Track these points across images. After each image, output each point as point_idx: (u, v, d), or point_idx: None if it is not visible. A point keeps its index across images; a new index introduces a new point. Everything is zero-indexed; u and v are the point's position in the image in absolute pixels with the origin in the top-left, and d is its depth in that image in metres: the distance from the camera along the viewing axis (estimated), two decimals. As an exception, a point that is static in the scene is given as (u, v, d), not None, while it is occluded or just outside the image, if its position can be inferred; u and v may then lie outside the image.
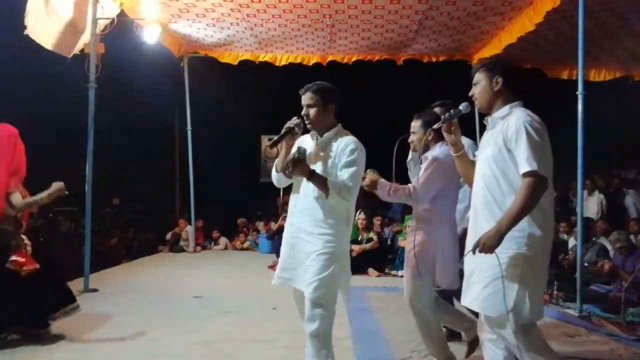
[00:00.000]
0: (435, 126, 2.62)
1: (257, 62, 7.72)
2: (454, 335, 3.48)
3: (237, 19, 6.31)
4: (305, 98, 2.62)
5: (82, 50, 5.42)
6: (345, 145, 2.58)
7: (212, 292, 5.24)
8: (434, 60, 7.71)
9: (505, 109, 2.30)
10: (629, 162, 9.72)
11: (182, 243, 8.87)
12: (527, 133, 2.14)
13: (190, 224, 8.80)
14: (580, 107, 4.61)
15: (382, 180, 2.87)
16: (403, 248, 6.85)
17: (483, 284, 2.22)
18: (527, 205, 2.09)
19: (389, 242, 7.56)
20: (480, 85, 2.36)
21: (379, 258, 6.98)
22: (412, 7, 5.80)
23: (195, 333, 3.74)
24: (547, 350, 2.25)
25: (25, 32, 4.68)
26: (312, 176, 2.53)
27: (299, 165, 2.52)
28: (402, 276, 6.45)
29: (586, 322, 4.28)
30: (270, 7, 5.89)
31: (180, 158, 13.22)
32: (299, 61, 7.66)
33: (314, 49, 7.45)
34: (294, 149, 2.60)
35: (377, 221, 7.68)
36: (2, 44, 6.72)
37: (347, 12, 6.02)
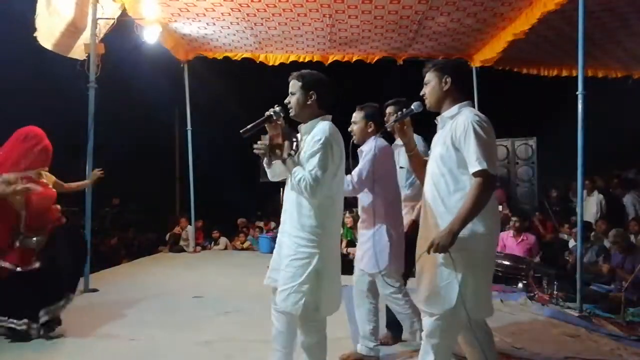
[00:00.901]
0: (387, 125, 2.69)
1: (257, 62, 7.71)
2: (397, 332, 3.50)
3: (237, 18, 6.31)
4: (290, 86, 2.49)
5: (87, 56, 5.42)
6: (313, 136, 2.39)
7: (212, 292, 5.24)
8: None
9: (454, 108, 2.34)
10: (628, 162, 9.72)
11: (182, 243, 8.86)
12: (476, 132, 2.17)
13: (190, 224, 8.80)
14: (580, 106, 4.62)
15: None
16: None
17: (428, 280, 2.28)
18: (478, 204, 2.13)
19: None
20: (430, 85, 2.40)
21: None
22: (412, 7, 5.80)
23: (195, 333, 3.73)
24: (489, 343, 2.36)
25: (35, 34, 4.66)
26: (284, 163, 2.41)
27: (268, 154, 2.45)
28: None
29: (586, 322, 4.27)
30: (270, 6, 5.89)
31: (180, 158, 13.21)
32: (299, 60, 7.66)
33: (314, 48, 7.45)
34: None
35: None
36: (1, 44, 6.71)
37: (347, 12, 6.03)
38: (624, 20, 5.93)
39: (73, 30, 5.27)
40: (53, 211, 3.56)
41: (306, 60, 7.64)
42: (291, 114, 2.50)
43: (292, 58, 7.61)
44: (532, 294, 5.21)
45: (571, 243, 6.37)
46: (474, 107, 2.37)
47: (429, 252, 2.16)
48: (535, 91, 9.61)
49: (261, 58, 7.64)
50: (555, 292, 5.08)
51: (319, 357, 2.46)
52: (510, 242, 6.44)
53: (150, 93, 9.66)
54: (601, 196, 7.75)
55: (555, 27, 6.01)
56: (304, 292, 2.34)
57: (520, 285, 5.66)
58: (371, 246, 3.02)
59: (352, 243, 6.88)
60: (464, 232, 2.15)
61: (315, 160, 2.31)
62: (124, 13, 5.49)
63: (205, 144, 9.50)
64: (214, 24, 6.55)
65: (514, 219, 6.54)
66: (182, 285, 5.60)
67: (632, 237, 5.93)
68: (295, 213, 2.41)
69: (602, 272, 5.35)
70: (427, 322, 2.30)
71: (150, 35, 5.96)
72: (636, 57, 7.27)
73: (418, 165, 2.57)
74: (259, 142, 2.49)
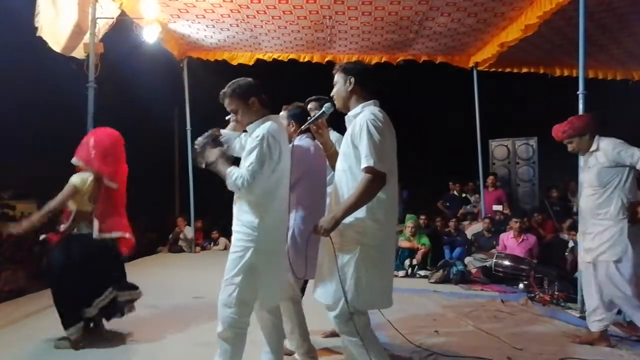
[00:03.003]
0: (303, 127, 2.74)
1: (257, 63, 7.70)
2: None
3: (236, 20, 6.30)
4: (226, 105, 2.59)
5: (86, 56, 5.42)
6: (252, 133, 2.48)
7: (212, 292, 5.17)
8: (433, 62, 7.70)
9: (358, 108, 2.43)
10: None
11: (181, 243, 8.86)
12: (368, 131, 2.26)
13: (190, 225, 8.79)
14: (581, 106, 4.62)
15: None
16: (403, 248, 6.89)
17: (326, 272, 2.36)
18: (361, 198, 2.23)
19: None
20: (337, 86, 2.50)
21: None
22: (412, 7, 5.78)
23: (195, 334, 3.73)
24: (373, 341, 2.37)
25: (38, 34, 4.65)
26: (214, 166, 2.49)
27: (198, 155, 2.55)
28: (402, 276, 6.53)
29: (587, 322, 4.27)
30: (270, 7, 5.87)
31: (180, 158, 13.20)
32: (299, 61, 7.65)
33: (314, 50, 7.44)
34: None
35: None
36: (1, 44, 6.71)
37: (347, 13, 6.01)
38: (624, 20, 5.92)
39: (78, 32, 5.27)
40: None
41: (305, 60, 7.63)
42: (232, 119, 2.66)
43: (292, 57, 7.60)
44: (532, 295, 5.21)
45: (571, 243, 6.35)
46: (379, 106, 2.45)
47: (314, 232, 2.30)
48: (536, 91, 9.61)
49: (258, 56, 7.62)
50: (556, 293, 5.07)
51: (233, 352, 2.46)
52: (511, 243, 6.43)
53: (150, 93, 9.66)
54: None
55: (555, 27, 6.00)
56: (236, 285, 2.42)
57: (521, 285, 5.66)
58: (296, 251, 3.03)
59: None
60: (354, 224, 2.27)
61: (252, 156, 2.38)
62: (123, 12, 5.48)
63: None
64: (214, 26, 6.54)
65: (514, 220, 6.54)
66: (181, 286, 5.58)
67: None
68: (237, 209, 2.50)
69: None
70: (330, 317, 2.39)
71: (150, 35, 5.95)
72: (637, 57, 7.26)
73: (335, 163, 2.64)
74: (198, 139, 2.58)
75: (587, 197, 3.63)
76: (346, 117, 2.49)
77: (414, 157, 11.18)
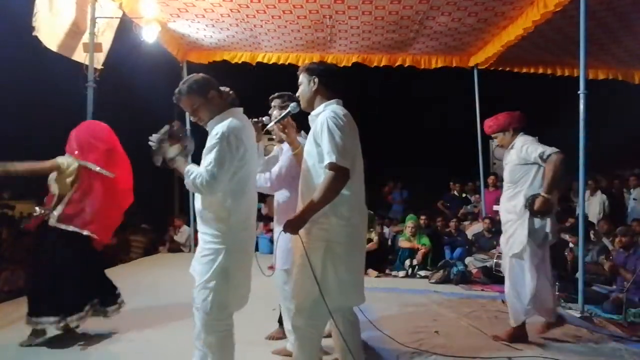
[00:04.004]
0: (269, 126, 2.79)
1: (256, 63, 7.68)
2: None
3: (236, 19, 6.29)
4: (184, 106, 2.54)
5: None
6: (212, 131, 2.40)
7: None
8: (433, 65, 7.68)
9: (321, 107, 2.44)
10: (631, 162, 9.68)
11: (177, 241, 8.85)
12: (329, 128, 2.27)
13: (189, 225, 8.78)
14: (582, 106, 4.60)
15: None
16: (403, 248, 6.88)
17: (298, 271, 2.37)
18: (327, 194, 2.23)
19: (389, 243, 7.53)
20: (301, 86, 2.52)
21: (379, 258, 6.95)
22: (413, 7, 5.77)
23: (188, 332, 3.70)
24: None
25: (34, 34, 4.64)
26: (172, 163, 2.46)
27: (154, 153, 2.51)
28: (402, 277, 6.52)
29: (588, 322, 4.27)
30: (270, 7, 5.87)
31: (180, 158, 13.18)
32: (299, 62, 7.63)
33: (314, 49, 7.42)
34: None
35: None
36: (1, 44, 6.70)
37: (348, 13, 6.00)
38: (625, 20, 5.91)
39: (76, 31, 5.26)
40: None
41: (305, 60, 7.61)
42: (193, 119, 2.55)
43: (292, 60, 7.59)
44: (533, 295, 5.18)
45: (571, 244, 6.34)
46: (342, 105, 2.46)
47: (284, 231, 2.30)
48: (536, 91, 9.58)
49: (259, 58, 7.60)
50: (556, 293, 5.05)
51: (221, 356, 2.45)
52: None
53: (150, 92, 9.63)
54: (604, 196, 7.72)
55: (556, 26, 5.99)
56: (211, 289, 2.36)
57: (521, 286, 5.63)
58: (282, 243, 3.02)
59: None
60: (319, 222, 2.28)
61: (211, 155, 2.30)
62: (122, 12, 5.47)
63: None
64: (213, 25, 6.53)
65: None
66: (180, 286, 5.52)
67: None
68: (201, 209, 2.42)
69: (604, 270, 5.31)
70: (292, 313, 2.43)
71: (149, 35, 5.94)
72: (638, 57, 7.24)
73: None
74: (154, 135, 2.54)
75: (504, 193, 3.74)
76: (310, 116, 2.50)
77: (414, 157, 11.20)
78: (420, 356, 3.30)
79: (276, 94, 3.46)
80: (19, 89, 8.04)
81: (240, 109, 2.55)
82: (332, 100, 2.44)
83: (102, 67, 5.67)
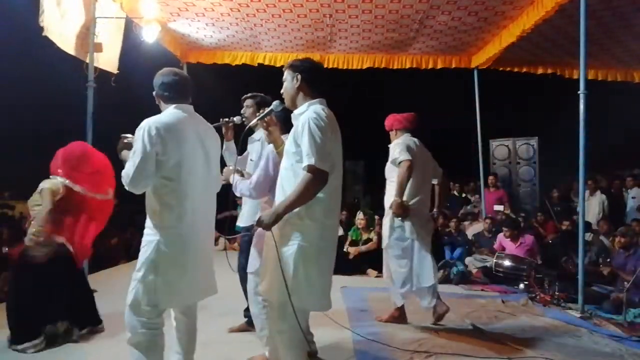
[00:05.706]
0: (251, 124, 2.80)
1: (256, 63, 7.67)
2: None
3: (236, 18, 6.28)
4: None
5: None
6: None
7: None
8: (431, 65, 7.67)
9: (304, 106, 2.41)
10: (630, 162, 9.68)
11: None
12: (310, 129, 2.24)
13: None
14: (582, 106, 4.60)
15: (236, 176, 2.98)
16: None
17: (270, 270, 2.36)
18: (302, 195, 2.22)
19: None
20: (285, 83, 2.49)
21: (379, 258, 6.93)
22: (413, 6, 5.77)
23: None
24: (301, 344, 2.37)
25: (44, 34, 4.62)
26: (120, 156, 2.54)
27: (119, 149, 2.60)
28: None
29: (588, 322, 4.27)
30: (270, 6, 5.86)
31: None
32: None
33: (314, 49, 7.42)
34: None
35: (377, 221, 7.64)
36: (1, 44, 6.70)
37: (348, 12, 6.00)
38: (625, 19, 5.91)
39: (86, 33, 5.25)
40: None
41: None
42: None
43: (291, 59, 7.56)
44: (533, 295, 5.19)
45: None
46: (326, 105, 2.43)
47: (257, 226, 2.31)
48: (536, 91, 9.59)
49: (259, 59, 7.59)
50: (556, 293, 5.06)
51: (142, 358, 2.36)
52: (509, 245, 6.40)
53: (150, 92, 9.64)
54: (604, 196, 7.72)
55: (556, 26, 5.99)
56: (138, 280, 2.33)
57: (521, 286, 5.64)
58: (254, 245, 3.09)
59: (355, 243, 6.86)
60: (292, 222, 2.27)
61: (131, 151, 2.35)
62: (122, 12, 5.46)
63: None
64: (213, 24, 6.53)
65: (505, 229, 6.49)
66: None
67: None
68: (147, 204, 2.46)
69: (603, 275, 5.32)
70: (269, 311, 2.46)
71: (149, 34, 5.93)
72: (638, 56, 7.24)
73: None
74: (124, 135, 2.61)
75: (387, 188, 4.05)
76: (292, 115, 2.46)
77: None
78: (420, 356, 3.29)
79: (249, 94, 3.50)
80: (19, 89, 8.04)
81: (186, 105, 2.54)
82: (315, 100, 2.40)
83: (118, 71, 5.71)
